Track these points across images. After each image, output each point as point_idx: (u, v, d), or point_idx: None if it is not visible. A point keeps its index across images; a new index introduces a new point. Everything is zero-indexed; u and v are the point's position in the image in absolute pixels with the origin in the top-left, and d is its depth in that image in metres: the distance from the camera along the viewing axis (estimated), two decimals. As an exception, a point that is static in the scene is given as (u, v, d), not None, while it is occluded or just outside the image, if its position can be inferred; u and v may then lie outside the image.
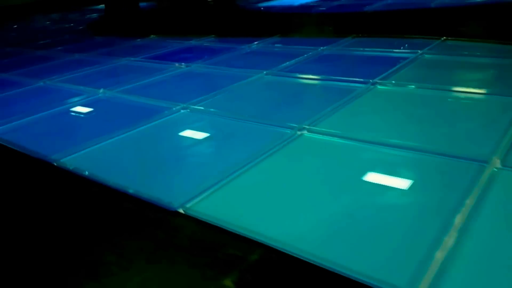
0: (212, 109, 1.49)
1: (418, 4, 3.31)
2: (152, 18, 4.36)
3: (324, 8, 3.79)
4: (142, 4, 5.48)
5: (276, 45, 2.46)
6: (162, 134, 1.36)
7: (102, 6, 5.95)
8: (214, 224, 0.84)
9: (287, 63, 1.98)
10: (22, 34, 4.14)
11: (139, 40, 3.11)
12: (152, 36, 3.18)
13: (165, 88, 1.87)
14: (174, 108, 1.53)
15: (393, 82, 1.56)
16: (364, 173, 0.98)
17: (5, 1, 5.68)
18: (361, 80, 1.59)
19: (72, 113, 1.66)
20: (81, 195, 1.05)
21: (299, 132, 1.22)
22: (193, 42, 2.80)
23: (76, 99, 1.79)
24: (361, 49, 2.10)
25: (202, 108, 1.53)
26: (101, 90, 1.86)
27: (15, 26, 4.80)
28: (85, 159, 1.22)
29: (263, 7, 4.26)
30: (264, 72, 1.87)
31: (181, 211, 0.90)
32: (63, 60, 2.69)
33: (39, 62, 2.66)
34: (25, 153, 1.31)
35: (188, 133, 1.34)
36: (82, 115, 1.63)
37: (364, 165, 1.02)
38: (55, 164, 1.20)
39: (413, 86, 1.51)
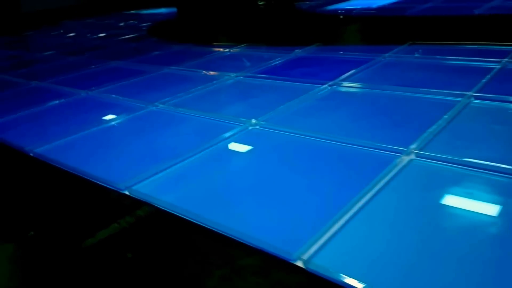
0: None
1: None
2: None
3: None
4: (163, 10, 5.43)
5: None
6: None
7: (147, 10, 5.89)
8: None
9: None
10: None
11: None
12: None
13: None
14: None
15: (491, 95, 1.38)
16: None
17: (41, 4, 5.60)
18: (457, 92, 1.42)
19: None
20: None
21: (405, 157, 1.05)
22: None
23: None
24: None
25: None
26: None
27: (62, 31, 4.71)
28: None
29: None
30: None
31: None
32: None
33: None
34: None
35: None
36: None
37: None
38: (128, 193, 1.06)
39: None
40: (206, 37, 3.22)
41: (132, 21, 4.87)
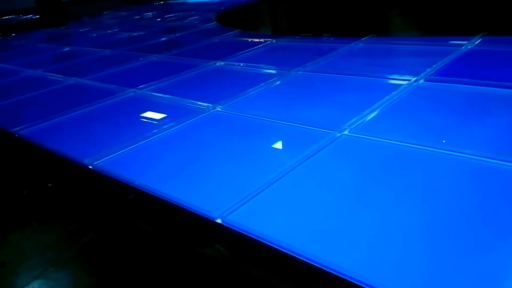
0: None
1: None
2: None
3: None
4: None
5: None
6: None
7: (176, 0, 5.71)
8: None
9: None
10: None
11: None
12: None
13: None
14: None
15: None
16: None
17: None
18: None
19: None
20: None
21: None
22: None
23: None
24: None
25: None
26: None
27: (112, 21, 4.58)
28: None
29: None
30: None
31: None
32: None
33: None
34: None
35: None
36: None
37: None
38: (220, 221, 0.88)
39: None
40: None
41: (182, 12, 4.69)
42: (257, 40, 2.58)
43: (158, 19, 4.17)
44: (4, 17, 6.77)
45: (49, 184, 1.16)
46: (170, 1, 5.85)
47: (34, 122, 1.62)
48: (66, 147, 1.36)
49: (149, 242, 0.89)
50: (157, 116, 1.54)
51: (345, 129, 1.21)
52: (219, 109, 1.52)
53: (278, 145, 1.20)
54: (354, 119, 1.26)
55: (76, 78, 2.21)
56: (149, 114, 1.58)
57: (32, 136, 1.49)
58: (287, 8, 2.63)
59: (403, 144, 1.09)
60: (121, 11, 5.39)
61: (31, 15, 6.50)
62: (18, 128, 1.57)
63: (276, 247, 0.79)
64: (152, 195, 1.02)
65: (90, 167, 1.21)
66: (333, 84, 1.64)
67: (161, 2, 5.97)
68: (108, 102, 1.77)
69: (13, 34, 4.53)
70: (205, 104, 1.58)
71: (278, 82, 1.73)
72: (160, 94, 1.77)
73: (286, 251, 0.78)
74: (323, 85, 1.64)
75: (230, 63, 2.14)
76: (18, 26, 5.14)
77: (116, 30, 3.78)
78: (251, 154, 1.17)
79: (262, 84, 1.71)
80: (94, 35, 3.71)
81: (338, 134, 1.19)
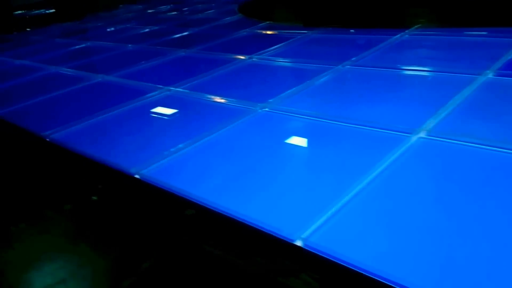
0: None
1: None
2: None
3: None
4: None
5: None
6: None
7: None
8: None
9: None
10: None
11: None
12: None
13: None
14: None
15: None
16: None
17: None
18: None
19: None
20: None
21: None
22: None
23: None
24: None
25: None
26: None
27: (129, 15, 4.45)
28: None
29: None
30: None
31: None
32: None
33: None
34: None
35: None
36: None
37: None
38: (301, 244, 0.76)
39: None
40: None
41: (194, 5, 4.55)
42: (290, 32, 2.44)
43: (176, 12, 4.03)
44: (16, 12, 6.67)
45: (94, 197, 1.05)
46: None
47: (66, 124, 1.50)
48: (106, 153, 1.24)
49: (217, 268, 0.77)
50: (199, 117, 1.42)
51: (421, 131, 1.07)
52: (268, 109, 1.39)
53: (351, 151, 1.06)
54: (429, 120, 1.12)
55: (103, 75, 2.09)
56: (189, 116, 1.45)
57: (66, 141, 1.37)
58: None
59: (489, 148, 0.96)
60: (137, 4, 5.25)
61: (43, 10, 6.39)
62: (49, 132, 1.46)
63: (382, 280, 0.67)
64: (216, 211, 0.90)
65: (137, 176, 1.09)
66: (390, 79, 1.51)
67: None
68: (142, 102, 1.65)
69: (28, 29, 4.42)
70: (251, 103, 1.45)
71: (326, 78, 1.60)
72: (198, 93, 1.64)
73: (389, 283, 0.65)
74: (380, 81, 1.50)
75: (266, 57, 2.00)
76: (32, 21, 5.03)
77: (135, 24, 3.65)
78: (319, 162, 1.04)
79: (309, 81, 1.57)
80: (113, 29, 3.58)
81: (415, 138, 1.06)
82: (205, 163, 1.11)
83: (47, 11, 6.04)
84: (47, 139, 1.42)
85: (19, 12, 6.68)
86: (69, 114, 1.63)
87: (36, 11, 6.35)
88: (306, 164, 1.05)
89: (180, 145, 1.20)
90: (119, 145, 1.30)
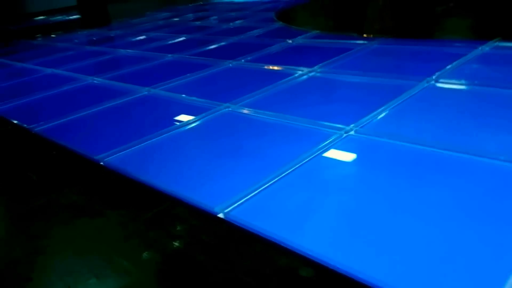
0: None
1: None
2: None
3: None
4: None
5: None
6: None
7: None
8: None
9: None
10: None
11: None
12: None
13: None
14: None
15: None
16: None
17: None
18: None
19: None
20: None
21: None
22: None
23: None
24: None
25: None
26: None
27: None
28: None
29: None
30: None
31: None
32: None
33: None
34: None
35: None
36: None
37: None
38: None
39: None
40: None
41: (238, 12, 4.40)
42: (346, 42, 2.25)
43: (208, 20, 3.86)
44: (36, 18, 6.58)
45: (175, 243, 0.85)
46: (213, 1, 5.55)
47: (119, 147, 1.31)
48: (178, 184, 1.05)
49: None
50: (278, 143, 1.23)
51: None
52: (353, 133, 1.20)
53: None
54: None
55: (149, 88, 1.91)
56: (259, 140, 1.26)
57: (121, 166, 1.19)
58: (382, 4, 2.28)
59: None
60: (163, 11, 5.11)
61: (62, 16, 6.29)
62: (103, 155, 1.27)
63: None
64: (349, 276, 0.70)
65: (221, 215, 0.89)
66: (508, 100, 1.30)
67: (201, 2, 5.68)
68: (202, 120, 1.46)
69: (53, 36, 4.29)
70: (331, 125, 1.25)
71: (416, 97, 1.40)
72: (267, 112, 1.45)
73: None
74: (493, 104, 1.29)
75: (329, 70, 1.81)
76: (56, 27, 4.91)
77: (168, 32, 3.49)
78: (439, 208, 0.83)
79: (396, 99, 1.37)
80: (145, 37, 3.42)
81: None
82: (300, 202, 0.91)
83: (68, 17, 5.94)
84: (102, 163, 1.24)
85: (41, 17, 6.59)
86: (121, 134, 1.44)
87: (58, 17, 6.24)
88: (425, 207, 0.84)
89: (263, 180, 1.01)
90: (188, 176, 1.11)
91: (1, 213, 1.10)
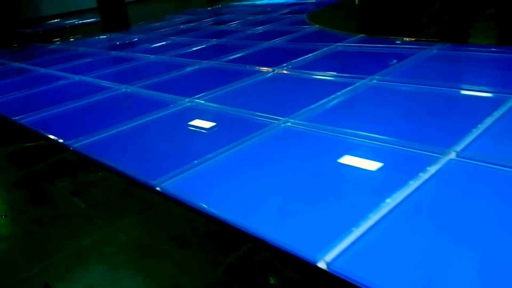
0: None
1: None
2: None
3: None
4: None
5: None
6: None
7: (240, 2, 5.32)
8: None
9: None
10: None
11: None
12: None
13: None
14: None
15: None
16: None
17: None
18: None
19: None
20: None
21: None
22: None
23: None
24: None
25: None
26: None
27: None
28: None
29: None
30: None
31: None
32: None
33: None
34: None
35: None
36: None
37: None
38: None
39: None
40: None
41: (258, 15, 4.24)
42: (401, 47, 2.08)
43: (232, 24, 3.70)
44: (50, 21, 6.46)
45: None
46: (232, 4, 5.40)
47: (175, 171, 1.16)
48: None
49: None
50: (345, 165, 1.06)
51: None
52: (453, 156, 1.03)
53: None
54: None
55: (191, 98, 1.75)
56: (317, 160, 1.10)
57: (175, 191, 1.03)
58: (440, 7, 2.11)
59: None
60: (182, 14, 4.96)
61: (77, 19, 6.17)
62: (159, 179, 1.11)
63: None
64: None
65: (323, 267, 0.73)
66: None
67: (220, 6, 5.53)
68: (262, 136, 1.30)
69: (72, 39, 4.15)
70: (417, 144, 1.09)
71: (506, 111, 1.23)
72: (329, 127, 1.28)
73: None
74: None
75: (392, 79, 1.64)
76: (74, 31, 4.78)
77: (194, 36, 3.33)
78: None
79: (491, 115, 1.20)
80: (169, 42, 3.26)
81: None
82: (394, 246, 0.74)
83: (82, 21, 5.81)
84: (157, 188, 1.08)
85: (55, 20, 6.47)
86: (173, 153, 1.28)
87: (73, 20, 6.12)
88: None
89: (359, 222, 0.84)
90: (270, 213, 0.94)
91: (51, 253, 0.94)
